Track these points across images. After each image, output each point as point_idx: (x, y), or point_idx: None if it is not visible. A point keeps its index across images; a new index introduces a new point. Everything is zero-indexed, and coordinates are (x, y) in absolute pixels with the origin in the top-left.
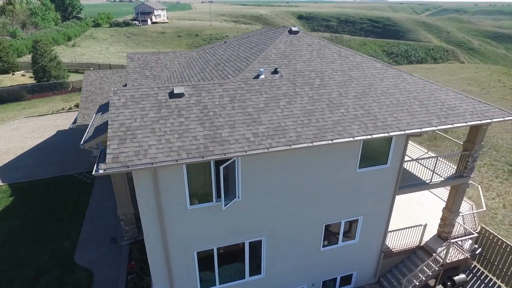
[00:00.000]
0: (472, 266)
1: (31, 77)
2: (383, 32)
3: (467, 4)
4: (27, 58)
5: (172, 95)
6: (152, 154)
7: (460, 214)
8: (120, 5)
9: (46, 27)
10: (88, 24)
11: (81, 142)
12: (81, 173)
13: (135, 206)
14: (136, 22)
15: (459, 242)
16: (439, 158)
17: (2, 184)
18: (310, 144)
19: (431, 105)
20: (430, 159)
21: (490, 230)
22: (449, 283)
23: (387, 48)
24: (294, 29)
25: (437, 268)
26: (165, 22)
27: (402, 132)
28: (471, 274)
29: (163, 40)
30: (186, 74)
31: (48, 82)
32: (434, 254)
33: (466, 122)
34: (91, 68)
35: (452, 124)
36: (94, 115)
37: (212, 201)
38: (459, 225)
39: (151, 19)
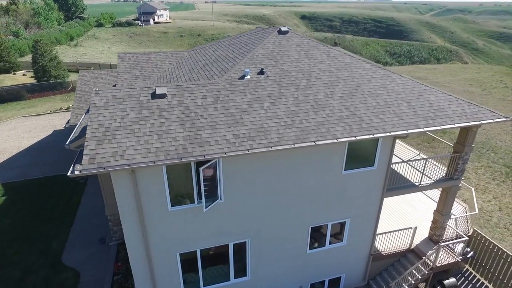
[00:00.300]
0: (465, 269)
1: (31, 77)
2: (387, 32)
3: (472, 4)
4: (29, 57)
5: (154, 95)
6: (130, 155)
7: (453, 216)
8: (124, 5)
9: (49, 27)
10: (91, 24)
11: (67, 142)
12: None
13: None
14: (139, 22)
15: (450, 246)
16: (429, 160)
17: None
18: (292, 146)
19: (419, 106)
20: (420, 161)
21: (482, 234)
22: (438, 287)
23: (390, 49)
24: (283, 29)
25: (426, 272)
26: (167, 22)
27: (388, 134)
28: (463, 278)
29: (165, 40)
30: (175, 74)
31: (48, 82)
32: (423, 257)
33: (454, 124)
34: (92, 68)
35: (440, 126)
36: (84, 115)
37: (194, 203)
38: (450, 228)
39: (153, 19)
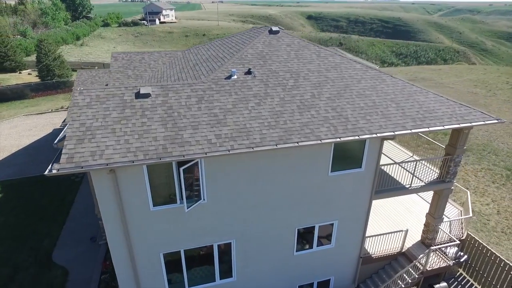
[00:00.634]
0: (458, 273)
1: (36, 76)
2: (394, 33)
3: (481, 4)
4: (35, 57)
5: (138, 95)
6: (109, 155)
7: (446, 220)
8: (131, 5)
9: (56, 27)
10: (97, 23)
11: (55, 141)
12: None
13: None
14: (144, 22)
15: (443, 249)
16: (422, 162)
17: None
18: (274, 147)
19: (408, 107)
20: (411, 163)
21: (476, 238)
22: None
23: (396, 49)
24: (274, 29)
25: (416, 276)
26: (173, 22)
27: (373, 135)
28: (456, 282)
29: (170, 39)
30: (166, 74)
31: (51, 81)
32: (414, 261)
33: (443, 126)
34: (96, 67)
35: (428, 128)
36: None
37: (177, 203)
38: (443, 231)
39: (159, 19)
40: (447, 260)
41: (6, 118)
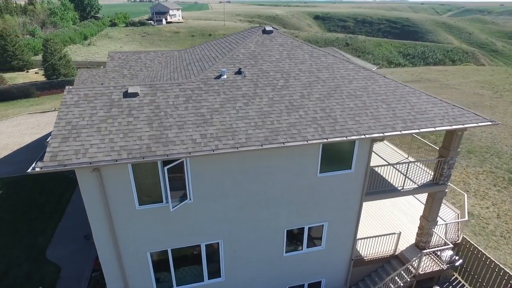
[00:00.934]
0: (453, 277)
1: (43, 75)
2: (401, 33)
3: (492, 5)
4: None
5: (126, 94)
6: (92, 154)
7: (441, 223)
8: (140, 5)
9: (64, 27)
10: (105, 23)
11: (47, 139)
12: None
13: None
14: (151, 21)
15: (437, 253)
16: (416, 164)
17: None
18: (260, 147)
19: (399, 108)
20: (404, 164)
21: (472, 242)
22: None
23: (403, 50)
24: (268, 28)
25: (409, 279)
26: (179, 22)
27: (362, 136)
28: (450, 286)
29: (176, 39)
30: (160, 73)
31: (57, 80)
32: (406, 264)
33: (434, 127)
34: (102, 67)
35: (419, 129)
36: None
37: (163, 202)
38: (437, 235)
39: (166, 19)
40: (440, 264)
41: (10, 116)
